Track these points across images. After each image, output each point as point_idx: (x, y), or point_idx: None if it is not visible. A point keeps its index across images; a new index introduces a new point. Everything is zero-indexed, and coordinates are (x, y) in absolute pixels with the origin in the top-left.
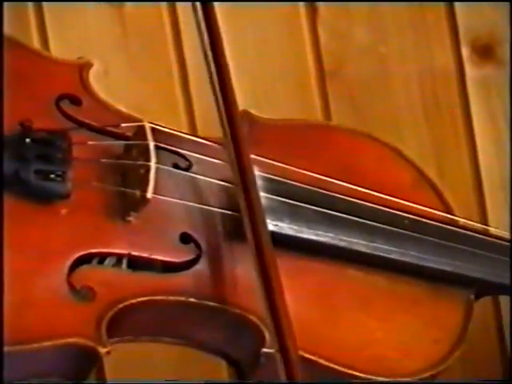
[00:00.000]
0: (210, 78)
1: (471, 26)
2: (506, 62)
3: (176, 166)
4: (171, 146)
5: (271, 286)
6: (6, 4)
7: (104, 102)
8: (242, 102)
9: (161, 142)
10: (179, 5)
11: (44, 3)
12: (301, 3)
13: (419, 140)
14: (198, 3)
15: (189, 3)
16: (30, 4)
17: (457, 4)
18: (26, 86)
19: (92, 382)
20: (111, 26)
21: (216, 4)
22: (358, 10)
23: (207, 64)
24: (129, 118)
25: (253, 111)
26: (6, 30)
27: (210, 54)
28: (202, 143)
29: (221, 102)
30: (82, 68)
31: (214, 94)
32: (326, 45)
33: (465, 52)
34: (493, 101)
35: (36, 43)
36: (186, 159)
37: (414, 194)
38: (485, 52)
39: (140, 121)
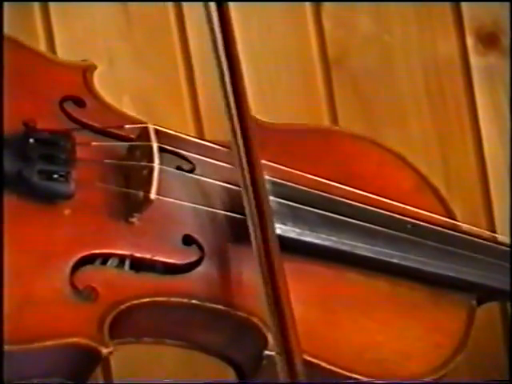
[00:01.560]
0: (222, 80)
1: (476, 15)
2: (510, 51)
3: (179, 169)
4: (175, 148)
5: (278, 290)
6: None
7: (108, 104)
8: (246, 91)
9: (164, 144)
10: None
11: None
12: None
13: (423, 129)
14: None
15: None
16: None
17: None
18: (30, 87)
19: (99, 383)
20: (116, 17)
21: None
22: (363, 0)
23: (219, 65)
24: (132, 120)
25: (257, 100)
26: (11, 22)
27: (222, 54)
28: (205, 146)
29: (232, 101)
30: (86, 70)
31: (226, 97)
32: (330, 34)
33: (469, 41)
34: (497, 89)
35: (41, 35)
36: (190, 162)
37: (416, 200)
38: (489, 41)
39: (144, 123)
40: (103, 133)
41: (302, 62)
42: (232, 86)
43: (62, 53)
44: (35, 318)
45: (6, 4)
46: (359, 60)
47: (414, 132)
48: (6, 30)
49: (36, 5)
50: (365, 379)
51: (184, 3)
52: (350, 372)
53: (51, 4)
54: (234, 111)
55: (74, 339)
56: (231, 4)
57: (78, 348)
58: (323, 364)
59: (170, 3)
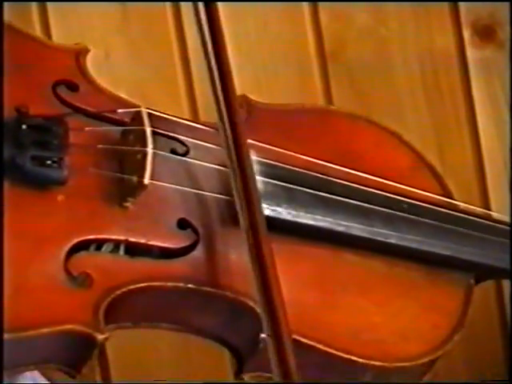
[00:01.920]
0: (208, 63)
1: (472, 8)
2: (508, 44)
3: (173, 152)
4: (168, 131)
5: (266, 271)
6: None
7: (101, 88)
8: (242, 84)
9: (158, 128)
10: None
11: None
12: None
13: (420, 122)
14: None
15: None
16: None
17: None
18: (22, 72)
19: (98, 383)
20: (112, 10)
21: None
22: None
23: (205, 49)
24: (126, 104)
25: (254, 93)
26: (7, 14)
27: (208, 40)
28: (199, 128)
29: (218, 84)
30: (79, 53)
31: (212, 77)
32: (326, 26)
33: (466, 34)
34: (494, 82)
35: (37, 27)
36: (184, 144)
37: (413, 178)
38: (486, 34)
39: (137, 106)
40: (97, 117)
41: (299, 55)
42: (217, 66)
43: None
44: (29, 306)
45: None
46: (356, 53)
47: (411, 125)
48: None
49: None
50: (362, 360)
51: None
52: (347, 354)
53: None
54: (220, 94)
55: (69, 326)
56: None
57: (73, 335)
58: (320, 346)
59: None
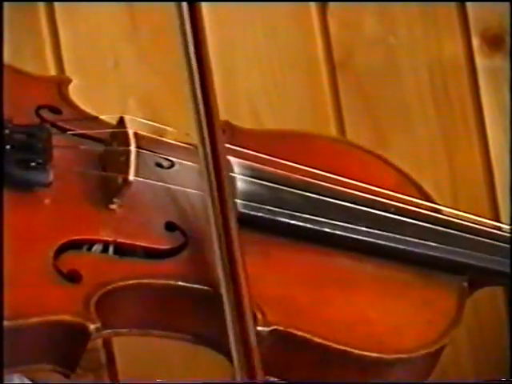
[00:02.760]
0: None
1: (481, 17)
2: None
3: (159, 165)
4: (153, 149)
5: (236, 273)
6: None
7: (84, 111)
8: (251, 93)
9: (143, 146)
10: None
11: None
12: None
13: (429, 130)
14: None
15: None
16: None
17: None
18: (7, 99)
19: (106, 383)
20: (121, 18)
21: None
22: (368, 1)
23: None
24: (110, 126)
25: (262, 101)
26: (16, 22)
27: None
28: (183, 147)
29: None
30: (61, 83)
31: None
32: (335, 35)
33: (475, 42)
34: (503, 91)
35: (46, 35)
36: (168, 160)
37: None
38: (495, 42)
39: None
40: (80, 135)
41: (308, 63)
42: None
43: (67, 54)
44: (19, 299)
45: (11, 4)
46: (364, 61)
47: (420, 133)
48: (11, 30)
49: (41, 5)
50: (358, 352)
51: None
52: (342, 345)
53: (56, 4)
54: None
55: (60, 316)
56: (235, 4)
57: (65, 325)
58: (316, 339)
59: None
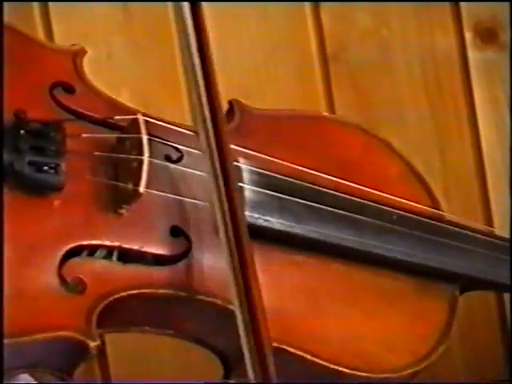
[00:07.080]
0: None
1: (474, 10)
2: (509, 46)
3: (168, 158)
4: (163, 138)
5: (248, 281)
6: None
7: (97, 90)
8: (243, 84)
9: (153, 134)
10: None
11: None
12: None
13: (421, 123)
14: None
15: None
16: None
17: None
18: (19, 73)
19: (97, 382)
20: (114, 10)
21: None
22: None
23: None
24: (122, 107)
25: (255, 93)
26: (9, 14)
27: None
28: (193, 135)
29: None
30: (76, 55)
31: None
32: (328, 28)
33: (467, 36)
34: (495, 84)
35: (39, 28)
36: (178, 150)
37: (401, 187)
38: (487, 36)
39: (134, 110)
40: (94, 122)
41: (300, 56)
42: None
43: None
44: (24, 312)
45: None
46: (357, 54)
47: (412, 126)
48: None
49: None
50: (348, 371)
51: None
52: (334, 364)
53: None
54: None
55: (63, 333)
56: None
57: (67, 341)
58: (308, 356)
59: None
